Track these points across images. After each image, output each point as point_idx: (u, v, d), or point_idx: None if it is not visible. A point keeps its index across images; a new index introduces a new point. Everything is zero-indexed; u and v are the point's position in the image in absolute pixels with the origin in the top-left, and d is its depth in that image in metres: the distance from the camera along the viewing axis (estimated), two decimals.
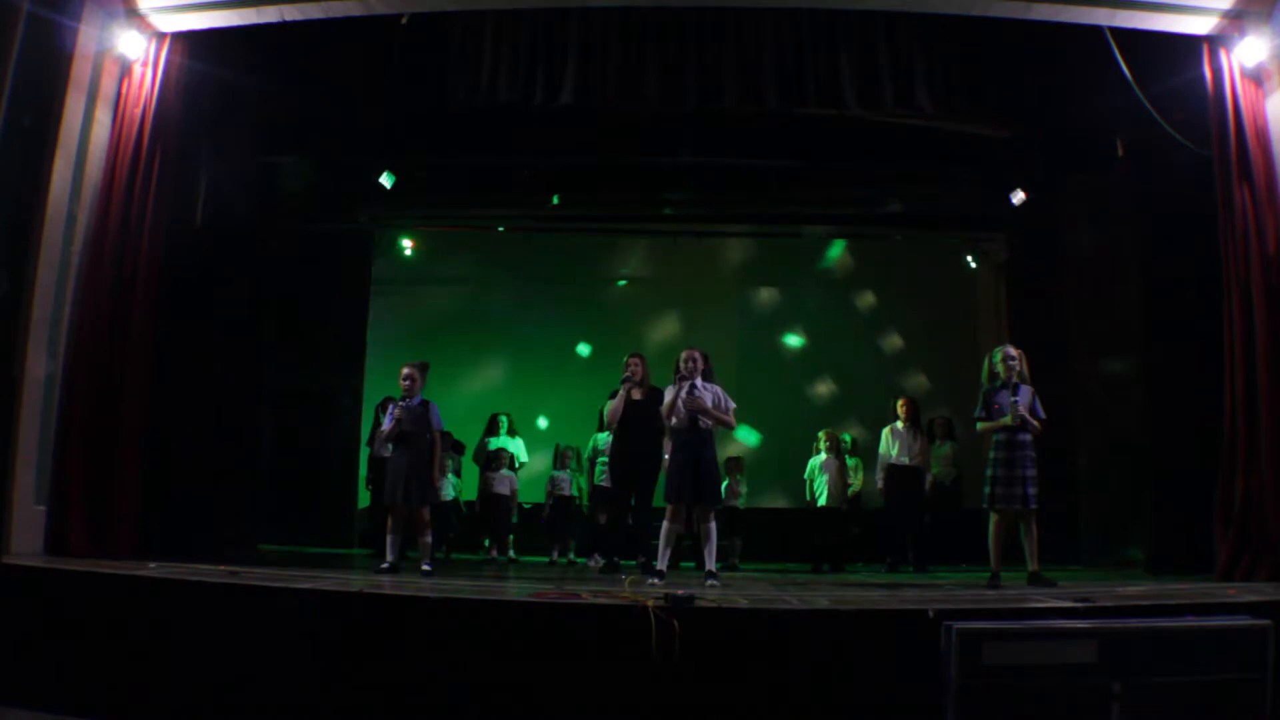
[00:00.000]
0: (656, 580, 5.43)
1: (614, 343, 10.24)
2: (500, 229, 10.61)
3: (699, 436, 5.73)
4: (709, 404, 5.73)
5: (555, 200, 9.96)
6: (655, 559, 5.87)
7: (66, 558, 5.40)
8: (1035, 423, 5.74)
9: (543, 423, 10.28)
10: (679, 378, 5.78)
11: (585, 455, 8.41)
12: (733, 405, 5.89)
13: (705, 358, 5.87)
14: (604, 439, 7.86)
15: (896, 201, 9.83)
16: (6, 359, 5.53)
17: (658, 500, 6.80)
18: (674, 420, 5.79)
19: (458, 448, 8.84)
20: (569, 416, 9.95)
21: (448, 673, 3.92)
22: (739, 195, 10.08)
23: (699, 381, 5.76)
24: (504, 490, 8.49)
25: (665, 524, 5.77)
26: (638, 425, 6.80)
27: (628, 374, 6.74)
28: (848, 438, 8.57)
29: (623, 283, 10.88)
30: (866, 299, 10.58)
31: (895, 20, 6.48)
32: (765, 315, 10.59)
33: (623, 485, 7.08)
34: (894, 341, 10.46)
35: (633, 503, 7.03)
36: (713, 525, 5.74)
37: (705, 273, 10.63)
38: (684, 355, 5.85)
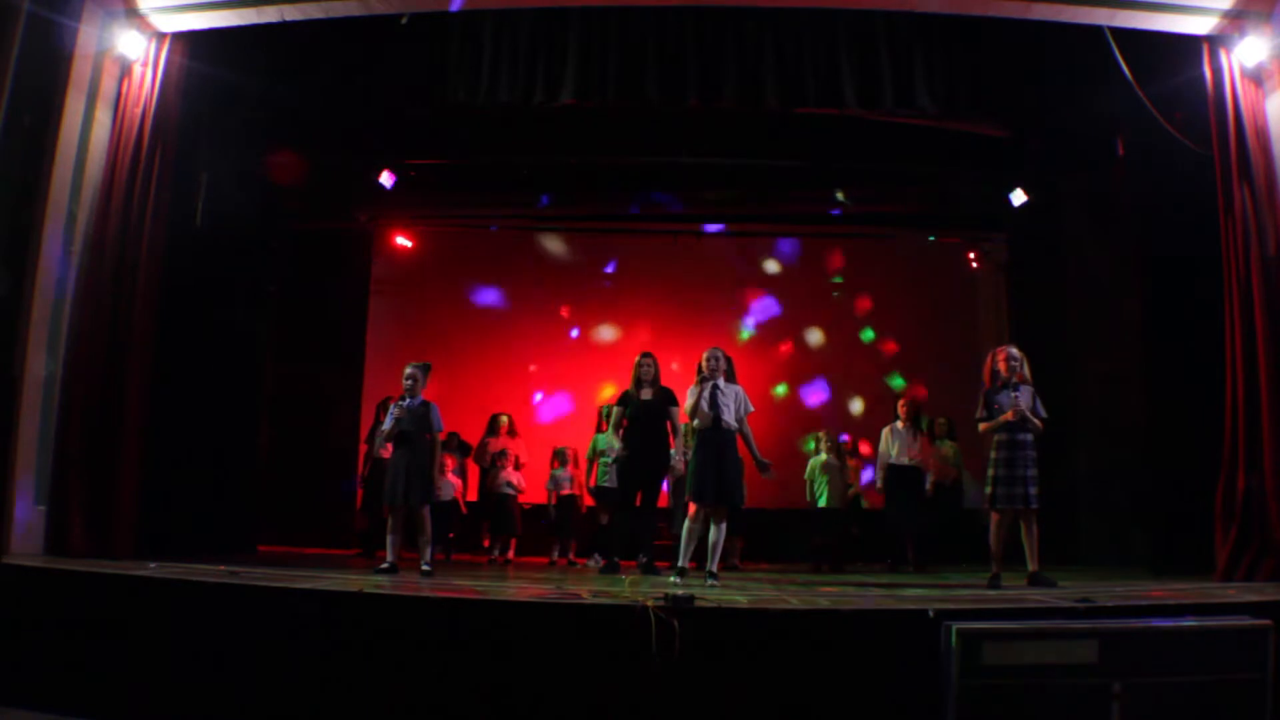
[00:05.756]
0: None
1: (612, 341, 10.31)
2: (499, 228, 10.62)
3: (723, 437, 5.67)
4: (731, 404, 5.68)
5: (546, 201, 10.06)
6: (655, 559, 5.86)
7: (66, 558, 5.40)
8: (1036, 422, 5.74)
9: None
10: (701, 379, 5.74)
11: (587, 455, 8.39)
12: (751, 409, 5.86)
13: (727, 358, 5.80)
14: (604, 439, 7.86)
15: (896, 201, 9.84)
16: (6, 359, 5.53)
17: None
18: (696, 421, 5.76)
19: (463, 449, 8.83)
20: (570, 415, 9.97)
21: (447, 673, 3.92)
22: (738, 195, 10.09)
23: (721, 382, 5.72)
24: (507, 490, 8.48)
25: (687, 523, 5.73)
26: (646, 425, 6.79)
27: (639, 374, 6.73)
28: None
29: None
30: (866, 299, 10.57)
31: (895, 20, 6.48)
32: (765, 315, 10.58)
33: (629, 485, 7.05)
34: (894, 341, 10.45)
35: (637, 503, 7.01)
36: (724, 526, 5.67)
37: (704, 272, 10.63)
38: (706, 355, 5.77)
